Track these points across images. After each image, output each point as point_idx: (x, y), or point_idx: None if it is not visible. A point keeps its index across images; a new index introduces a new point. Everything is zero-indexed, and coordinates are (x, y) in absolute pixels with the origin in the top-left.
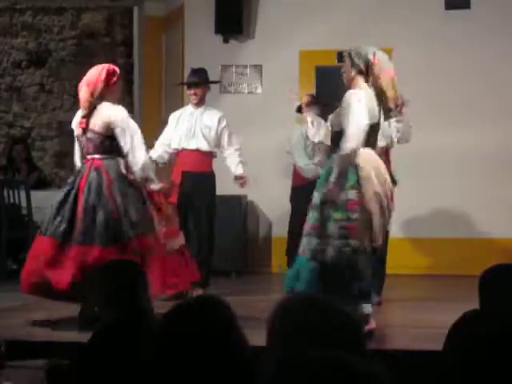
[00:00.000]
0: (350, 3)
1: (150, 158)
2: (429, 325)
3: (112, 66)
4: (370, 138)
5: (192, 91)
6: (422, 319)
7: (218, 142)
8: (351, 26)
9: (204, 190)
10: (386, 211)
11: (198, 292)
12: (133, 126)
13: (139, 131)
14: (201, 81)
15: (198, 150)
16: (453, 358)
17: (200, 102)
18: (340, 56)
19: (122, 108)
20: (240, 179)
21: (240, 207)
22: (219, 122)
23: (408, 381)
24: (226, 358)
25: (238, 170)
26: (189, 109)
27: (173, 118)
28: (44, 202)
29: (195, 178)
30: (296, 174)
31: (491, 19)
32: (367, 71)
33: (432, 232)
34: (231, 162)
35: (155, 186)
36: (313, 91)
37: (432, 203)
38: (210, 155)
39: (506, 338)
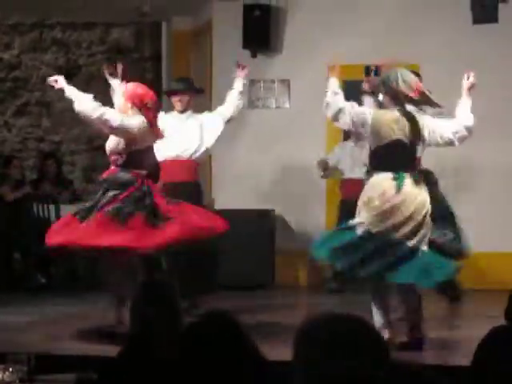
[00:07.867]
0: (377, 18)
1: None
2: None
3: None
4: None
5: (177, 98)
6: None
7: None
8: (378, 41)
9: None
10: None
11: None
12: None
13: None
14: (185, 88)
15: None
16: (482, 373)
17: (185, 109)
18: (367, 70)
19: None
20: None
21: (268, 221)
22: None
23: None
24: (238, 375)
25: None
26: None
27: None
28: None
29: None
30: None
31: None
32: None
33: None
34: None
35: None
36: None
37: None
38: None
39: None
